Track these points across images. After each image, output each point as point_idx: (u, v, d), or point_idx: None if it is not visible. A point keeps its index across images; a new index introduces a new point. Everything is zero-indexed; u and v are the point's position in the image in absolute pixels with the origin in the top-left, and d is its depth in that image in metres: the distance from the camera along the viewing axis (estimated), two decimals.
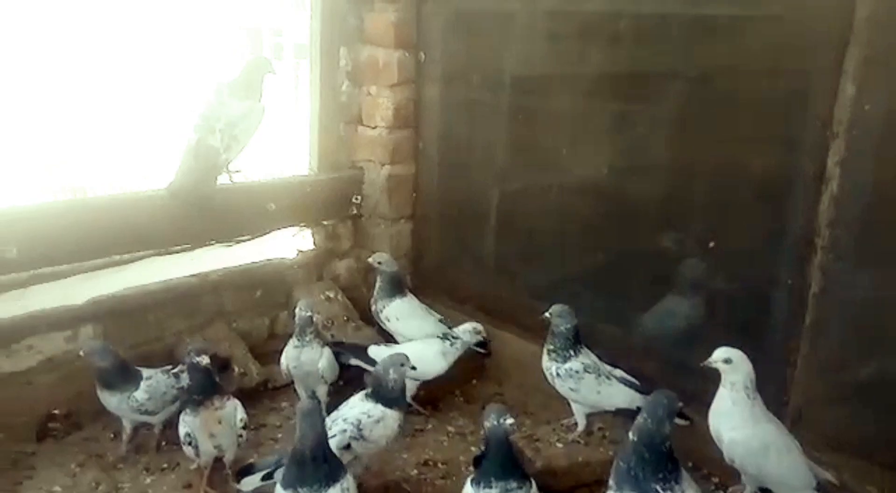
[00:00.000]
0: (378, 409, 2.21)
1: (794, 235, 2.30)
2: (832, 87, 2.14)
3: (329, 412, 2.33)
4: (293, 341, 2.61)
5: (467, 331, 2.82)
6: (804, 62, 2.29)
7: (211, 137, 2.68)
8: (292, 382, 2.70)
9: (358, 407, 2.24)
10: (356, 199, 3.36)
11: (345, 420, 2.21)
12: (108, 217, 2.61)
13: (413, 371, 2.35)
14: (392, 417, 2.22)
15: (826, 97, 2.16)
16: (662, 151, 2.69)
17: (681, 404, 1.90)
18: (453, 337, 2.79)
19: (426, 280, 3.36)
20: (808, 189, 2.24)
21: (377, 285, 2.97)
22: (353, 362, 2.76)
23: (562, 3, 2.90)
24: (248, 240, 3.03)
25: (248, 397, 2.68)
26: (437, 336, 2.80)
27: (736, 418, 2.08)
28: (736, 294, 2.51)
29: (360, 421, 2.20)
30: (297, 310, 2.59)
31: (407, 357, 2.31)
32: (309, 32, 3.19)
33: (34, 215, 2.49)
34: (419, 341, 2.81)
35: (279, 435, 2.66)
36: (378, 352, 2.73)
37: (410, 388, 2.69)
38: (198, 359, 2.21)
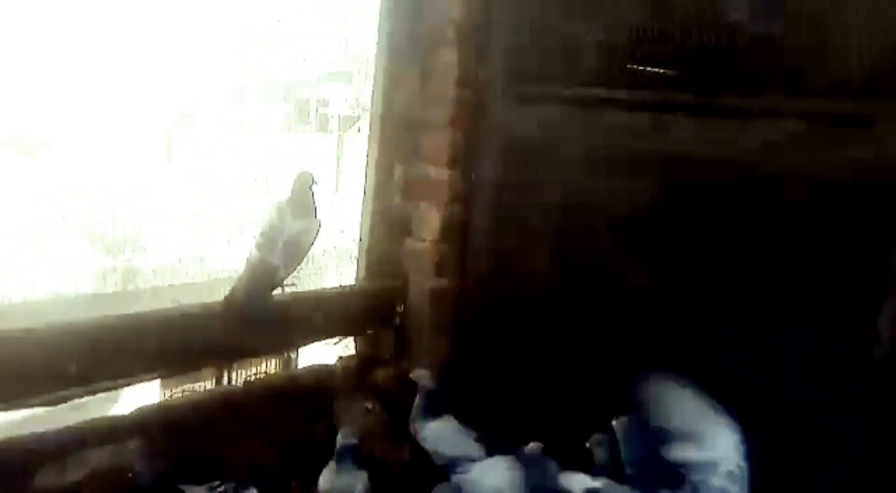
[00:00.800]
0: None
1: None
2: None
3: None
4: (331, 465, 2.62)
5: (534, 453, 2.72)
6: None
7: (271, 256, 2.77)
8: None
9: None
10: (399, 308, 3.41)
11: None
12: (163, 334, 2.65)
13: None
14: None
15: None
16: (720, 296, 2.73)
17: None
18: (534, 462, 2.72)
19: (467, 397, 3.34)
20: None
21: (416, 402, 2.98)
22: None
23: (615, 139, 2.98)
24: (295, 352, 3.08)
25: None
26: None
27: None
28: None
29: None
30: (338, 437, 2.61)
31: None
32: (366, 153, 3.31)
33: (92, 331, 2.55)
34: (500, 463, 2.75)
35: None
36: (469, 481, 2.70)
37: None
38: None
